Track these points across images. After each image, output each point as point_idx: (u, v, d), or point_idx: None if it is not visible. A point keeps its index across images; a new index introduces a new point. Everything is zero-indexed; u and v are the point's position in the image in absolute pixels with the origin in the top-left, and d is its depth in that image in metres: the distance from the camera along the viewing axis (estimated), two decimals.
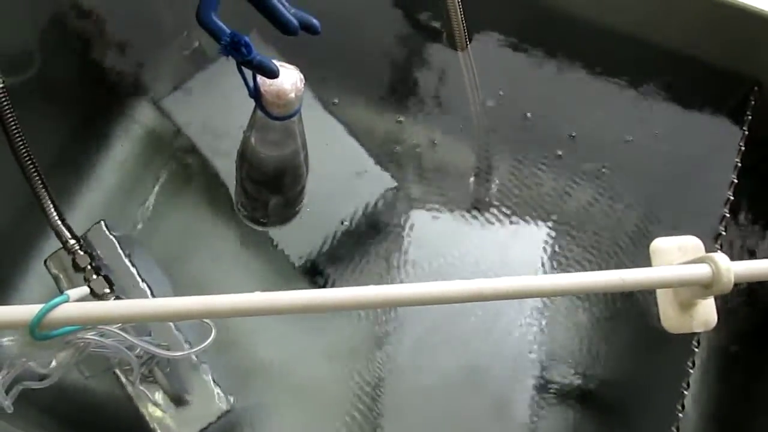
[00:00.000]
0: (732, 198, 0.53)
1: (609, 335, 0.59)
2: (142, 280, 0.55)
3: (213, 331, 0.46)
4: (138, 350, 0.45)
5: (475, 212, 0.63)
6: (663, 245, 0.43)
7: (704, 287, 0.38)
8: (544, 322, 0.59)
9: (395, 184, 0.62)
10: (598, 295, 0.60)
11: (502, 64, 0.65)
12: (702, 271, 0.38)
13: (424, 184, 0.64)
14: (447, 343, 0.59)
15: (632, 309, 0.59)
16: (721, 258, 0.38)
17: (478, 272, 0.61)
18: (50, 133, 0.63)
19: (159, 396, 0.53)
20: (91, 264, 0.53)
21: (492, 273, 0.61)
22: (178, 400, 0.53)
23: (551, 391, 0.58)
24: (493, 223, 0.63)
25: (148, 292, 0.55)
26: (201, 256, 0.61)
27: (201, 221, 0.63)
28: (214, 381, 0.54)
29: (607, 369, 0.58)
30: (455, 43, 0.62)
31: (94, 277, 0.51)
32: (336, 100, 0.66)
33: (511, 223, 0.63)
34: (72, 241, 0.53)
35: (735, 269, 0.38)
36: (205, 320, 0.46)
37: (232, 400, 0.54)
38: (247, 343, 0.58)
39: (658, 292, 0.43)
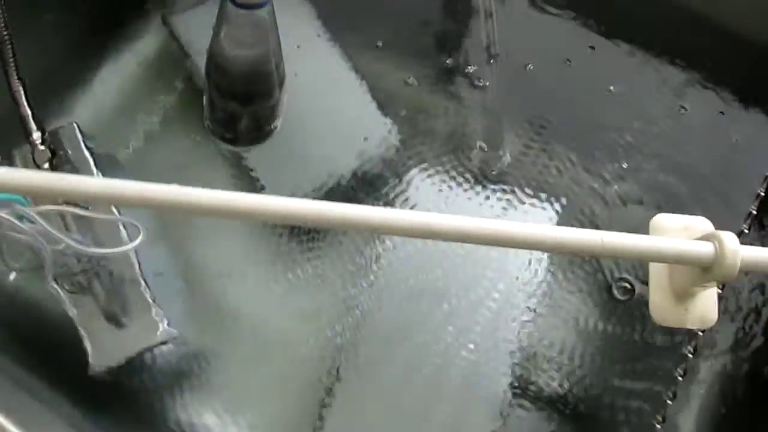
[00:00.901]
0: (764, 194, 0.47)
1: (595, 339, 0.53)
2: None
3: (141, 233, 0.42)
4: (62, 246, 0.40)
5: (480, 183, 0.57)
6: (666, 222, 0.37)
7: (704, 270, 0.32)
8: (528, 317, 0.53)
9: (395, 132, 0.57)
10: (587, 298, 0.53)
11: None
12: (702, 248, 0.32)
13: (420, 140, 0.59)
14: (422, 324, 0.54)
15: (624, 317, 0.53)
16: (728, 237, 0.32)
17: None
18: (49, 40, 0.59)
19: (96, 312, 0.49)
20: (50, 161, 0.50)
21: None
22: (115, 320, 0.49)
23: (526, 393, 0.52)
24: (496, 192, 0.57)
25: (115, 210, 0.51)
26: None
27: (195, 152, 0.58)
28: (155, 303, 0.49)
29: (589, 374, 0.52)
30: None
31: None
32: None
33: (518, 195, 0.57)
34: (36, 134, 0.50)
35: (744, 253, 0.32)
36: (136, 224, 0.42)
37: (175, 333, 0.50)
38: (215, 288, 0.54)
39: (651, 274, 0.37)
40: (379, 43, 0.60)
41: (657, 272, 0.36)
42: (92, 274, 0.48)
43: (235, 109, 0.47)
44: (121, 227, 0.50)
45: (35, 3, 0.54)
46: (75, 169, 0.52)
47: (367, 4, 0.61)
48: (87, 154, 0.52)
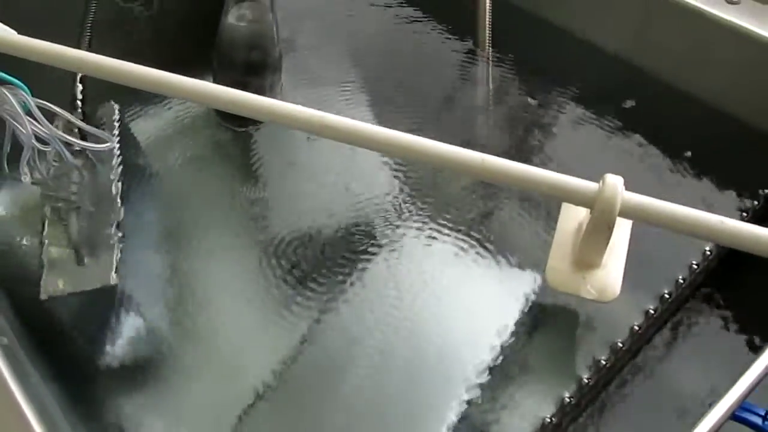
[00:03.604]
0: None
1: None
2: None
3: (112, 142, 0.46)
4: (50, 148, 0.45)
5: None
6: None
7: (589, 208, 0.34)
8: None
9: None
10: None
11: None
12: (587, 185, 0.33)
13: None
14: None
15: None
16: (613, 177, 0.33)
17: None
18: None
19: (64, 243, 0.52)
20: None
21: None
22: (78, 255, 0.52)
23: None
24: None
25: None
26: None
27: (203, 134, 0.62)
28: (119, 257, 0.52)
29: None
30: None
31: None
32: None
33: None
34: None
35: (626, 196, 0.33)
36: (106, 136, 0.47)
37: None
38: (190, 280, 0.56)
39: (555, 238, 0.38)
40: None
41: (561, 235, 0.37)
42: (74, 207, 0.51)
43: (238, 80, 0.53)
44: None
45: None
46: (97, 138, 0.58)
47: None
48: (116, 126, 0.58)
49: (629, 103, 0.60)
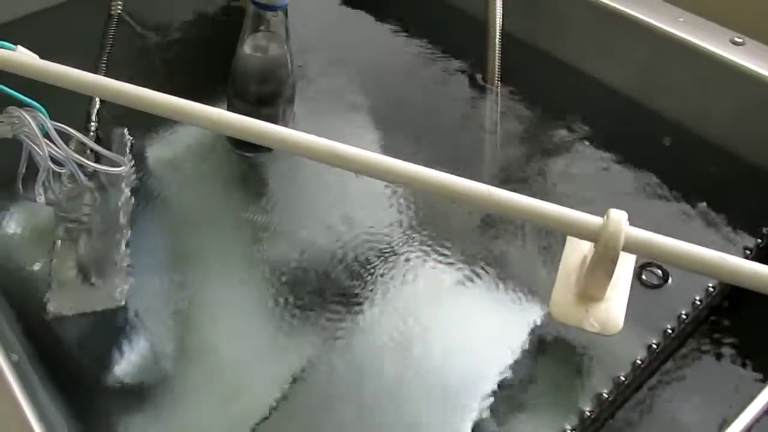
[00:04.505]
0: None
1: None
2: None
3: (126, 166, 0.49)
4: (65, 170, 0.46)
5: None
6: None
7: (593, 244, 0.34)
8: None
9: None
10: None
11: None
12: (591, 219, 0.34)
13: None
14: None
15: None
16: (617, 212, 0.34)
17: None
18: None
19: (72, 262, 0.52)
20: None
21: None
22: (87, 276, 0.53)
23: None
24: None
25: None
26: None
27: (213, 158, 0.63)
28: (127, 280, 0.53)
29: None
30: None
31: None
32: None
33: None
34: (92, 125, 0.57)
35: (630, 231, 0.34)
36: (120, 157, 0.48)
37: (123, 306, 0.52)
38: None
39: (559, 272, 0.38)
40: None
41: (565, 267, 0.38)
42: (85, 228, 0.52)
43: (251, 109, 0.54)
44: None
45: None
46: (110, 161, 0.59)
47: None
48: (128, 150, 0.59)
49: (634, 140, 0.61)
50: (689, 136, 0.59)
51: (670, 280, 0.49)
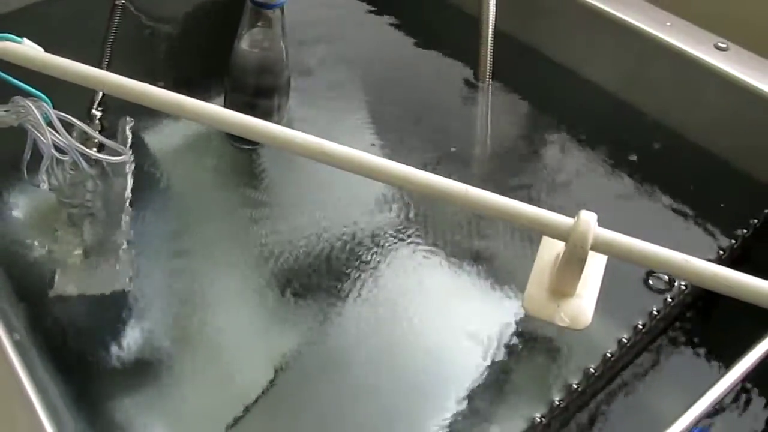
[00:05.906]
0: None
1: None
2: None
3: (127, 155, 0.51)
4: (67, 157, 0.48)
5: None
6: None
7: (564, 241, 0.36)
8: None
9: None
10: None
11: None
12: (563, 220, 0.36)
13: None
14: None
15: None
16: (587, 214, 0.36)
17: None
18: None
19: (76, 246, 0.55)
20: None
21: None
22: (89, 259, 0.55)
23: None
24: None
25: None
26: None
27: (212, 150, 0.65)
28: (127, 263, 0.55)
29: None
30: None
31: None
32: None
33: None
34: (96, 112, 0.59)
35: (598, 232, 0.36)
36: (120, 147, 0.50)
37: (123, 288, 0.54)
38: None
39: (534, 268, 0.40)
40: None
41: (539, 265, 0.40)
42: (88, 213, 0.54)
43: (248, 102, 0.56)
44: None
45: None
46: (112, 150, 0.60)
47: None
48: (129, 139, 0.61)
49: (617, 140, 0.62)
50: (670, 137, 0.61)
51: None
